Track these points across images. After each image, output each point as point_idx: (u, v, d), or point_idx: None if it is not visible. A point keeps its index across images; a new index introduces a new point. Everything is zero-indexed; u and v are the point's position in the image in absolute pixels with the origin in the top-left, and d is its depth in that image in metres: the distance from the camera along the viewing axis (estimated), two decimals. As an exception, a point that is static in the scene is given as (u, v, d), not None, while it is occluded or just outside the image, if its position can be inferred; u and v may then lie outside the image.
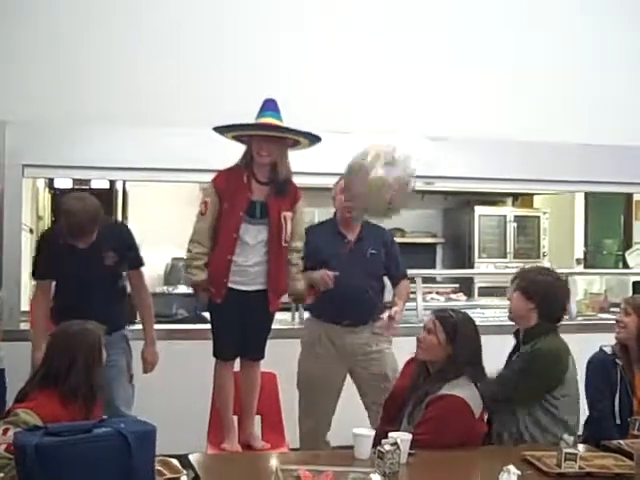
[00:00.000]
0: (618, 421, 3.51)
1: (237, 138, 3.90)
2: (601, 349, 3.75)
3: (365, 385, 4.14)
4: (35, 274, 4.02)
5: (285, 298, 4.02)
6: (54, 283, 3.97)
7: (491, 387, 3.28)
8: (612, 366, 3.65)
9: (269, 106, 3.82)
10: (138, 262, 4.14)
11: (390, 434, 2.85)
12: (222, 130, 3.86)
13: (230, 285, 3.79)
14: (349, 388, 4.73)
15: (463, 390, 3.13)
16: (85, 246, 3.85)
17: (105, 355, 3.06)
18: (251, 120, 3.81)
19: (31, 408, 2.72)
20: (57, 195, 7.85)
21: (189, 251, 3.83)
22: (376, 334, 4.11)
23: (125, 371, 4.00)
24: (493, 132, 5.31)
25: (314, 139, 3.88)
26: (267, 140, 3.76)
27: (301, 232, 3.94)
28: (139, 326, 4.17)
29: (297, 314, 5.24)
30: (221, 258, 3.78)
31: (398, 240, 7.60)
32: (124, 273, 4.08)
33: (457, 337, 3.23)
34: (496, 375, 3.40)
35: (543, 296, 3.45)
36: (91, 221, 3.77)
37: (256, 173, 3.81)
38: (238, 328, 3.83)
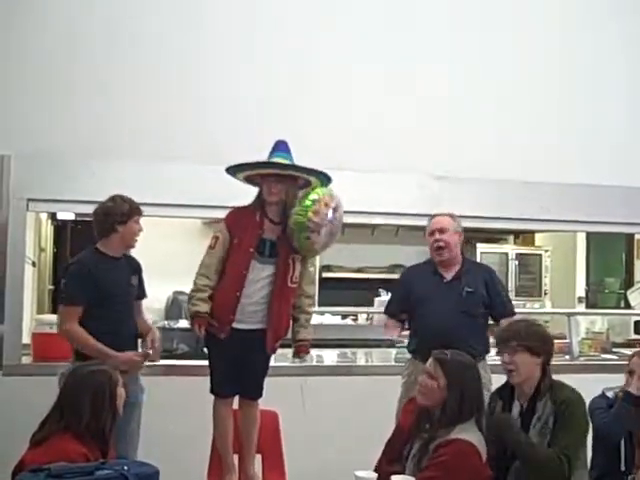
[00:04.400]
0: (623, 467, 3.42)
1: (248, 180, 3.94)
2: (603, 394, 3.65)
3: None
4: (74, 299, 3.89)
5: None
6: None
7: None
8: None
9: (280, 147, 3.87)
10: (145, 293, 4.24)
11: (393, 477, 2.83)
12: (234, 171, 3.91)
13: (233, 324, 3.81)
14: (348, 428, 4.74)
15: (471, 434, 3.11)
16: (118, 255, 3.98)
17: (122, 396, 3.07)
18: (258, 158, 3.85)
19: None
20: (59, 227, 7.86)
21: (195, 284, 3.84)
22: None
23: (140, 411, 4.00)
24: (496, 171, 5.32)
25: (324, 178, 3.91)
26: (277, 180, 3.80)
27: (311, 276, 4.02)
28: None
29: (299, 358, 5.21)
30: (228, 294, 3.79)
31: (398, 276, 7.64)
32: None
33: (454, 379, 3.21)
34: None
35: (547, 346, 3.38)
36: None
37: (268, 213, 3.86)
38: (234, 366, 3.82)
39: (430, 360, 3.31)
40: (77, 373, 3.07)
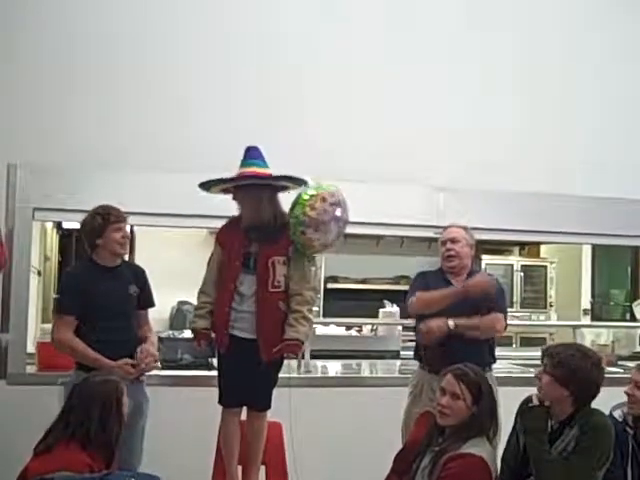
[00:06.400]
0: None
1: (224, 190, 3.98)
2: (611, 414, 3.55)
3: None
4: (65, 309, 3.91)
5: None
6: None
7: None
8: (623, 434, 3.46)
9: (252, 154, 3.89)
10: (151, 302, 4.19)
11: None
12: (207, 187, 3.96)
13: (233, 332, 3.83)
14: (353, 440, 4.72)
15: (482, 449, 3.10)
16: (113, 265, 3.98)
17: (127, 405, 3.08)
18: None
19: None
20: (65, 236, 7.85)
21: (197, 301, 3.97)
22: None
23: (145, 421, 4.00)
24: (501, 183, 5.31)
25: (296, 182, 3.89)
26: (248, 189, 3.84)
27: (302, 275, 3.90)
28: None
29: (302, 362, 5.21)
30: (221, 308, 3.87)
31: (404, 288, 7.62)
32: None
33: (482, 396, 3.19)
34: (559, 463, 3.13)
35: (578, 384, 3.18)
36: None
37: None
38: (240, 376, 3.83)
39: (449, 378, 3.26)
40: (84, 383, 3.08)
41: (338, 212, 3.78)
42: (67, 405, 3.03)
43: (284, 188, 3.95)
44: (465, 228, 4.39)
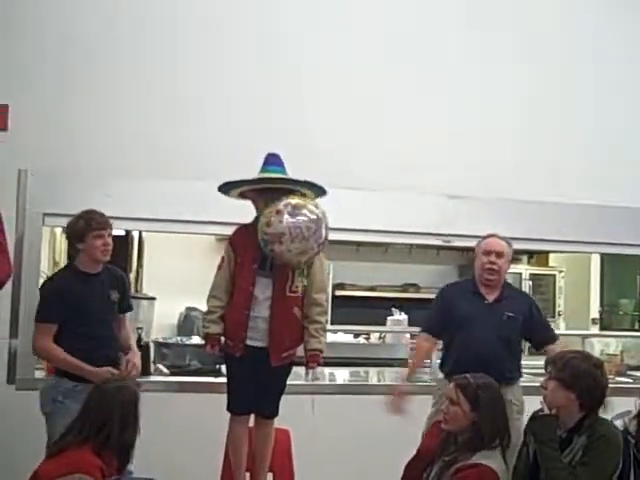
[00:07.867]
0: None
1: (242, 196, 3.95)
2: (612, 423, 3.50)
3: None
4: (46, 316, 3.95)
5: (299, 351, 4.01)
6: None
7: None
8: (625, 444, 3.38)
9: (272, 160, 3.89)
10: (130, 306, 4.31)
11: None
12: (226, 189, 3.95)
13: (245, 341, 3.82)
14: (360, 448, 4.71)
15: (493, 461, 3.10)
16: (94, 271, 3.99)
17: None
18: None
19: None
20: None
21: (207, 306, 3.92)
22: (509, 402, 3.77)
23: None
24: (509, 191, 5.31)
25: (317, 190, 3.89)
26: (269, 194, 3.79)
27: (320, 283, 3.92)
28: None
29: (311, 370, 5.19)
30: (238, 313, 3.81)
31: (412, 296, 7.58)
32: None
33: (480, 404, 3.19)
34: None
35: (582, 386, 3.21)
36: None
37: None
38: (250, 383, 3.82)
39: (451, 385, 3.30)
40: (102, 389, 3.09)
41: (296, 218, 3.64)
42: (85, 409, 3.04)
43: (302, 196, 3.89)
44: (508, 242, 4.33)
